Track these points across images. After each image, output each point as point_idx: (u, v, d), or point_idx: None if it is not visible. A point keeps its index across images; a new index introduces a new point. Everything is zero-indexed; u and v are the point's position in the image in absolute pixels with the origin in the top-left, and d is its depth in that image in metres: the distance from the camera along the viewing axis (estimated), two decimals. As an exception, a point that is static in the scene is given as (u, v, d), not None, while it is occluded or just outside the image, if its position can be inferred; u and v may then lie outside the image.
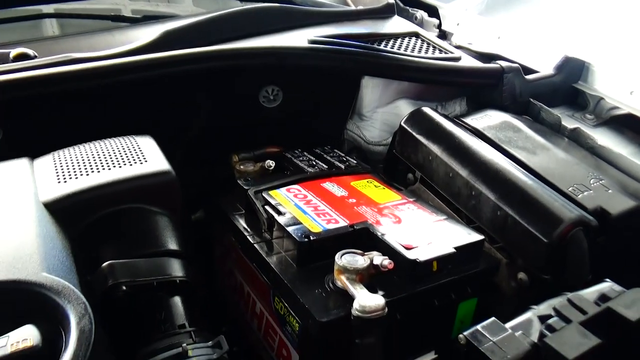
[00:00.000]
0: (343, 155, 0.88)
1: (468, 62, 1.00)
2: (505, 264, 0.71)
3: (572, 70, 1.00)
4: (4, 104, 0.78)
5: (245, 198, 0.73)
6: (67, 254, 0.53)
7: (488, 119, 0.87)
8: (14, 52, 0.86)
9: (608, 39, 1.10)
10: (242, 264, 0.72)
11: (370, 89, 0.99)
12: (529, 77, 1.00)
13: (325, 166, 0.82)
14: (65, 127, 0.84)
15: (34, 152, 0.73)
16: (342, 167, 0.83)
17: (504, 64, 0.97)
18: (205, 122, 0.93)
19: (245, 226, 0.71)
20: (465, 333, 0.51)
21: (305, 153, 0.88)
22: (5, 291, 0.46)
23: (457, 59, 1.00)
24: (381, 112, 0.99)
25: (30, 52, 0.86)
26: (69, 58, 0.85)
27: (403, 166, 0.88)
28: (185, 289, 0.59)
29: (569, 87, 1.01)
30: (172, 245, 0.62)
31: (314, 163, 0.83)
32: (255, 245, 0.66)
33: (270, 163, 0.81)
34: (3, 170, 0.64)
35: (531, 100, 0.96)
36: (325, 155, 0.87)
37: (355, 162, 0.86)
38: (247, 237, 0.68)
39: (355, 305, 0.52)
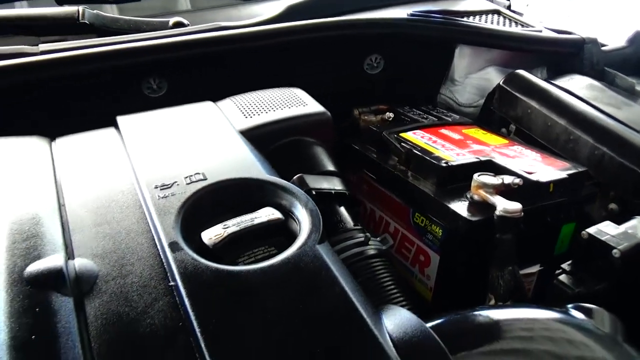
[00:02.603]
0: (445, 111, 1.02)
1: (550, 34, 1.14)
2: (598, 197, 0.85)
3: (643, 43, 1.13)
4: (171, 62, 0.95)
5: (377, 139, 0.88)
6: (270, 166, 0.69)
7: (574, 81, 1.00)
8: (172, 20, 1.02)
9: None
10: (375, 194, 0.87)
11: (463, 58, 1.13)
12: (604, 48, 1.12)
13: (435, 119, 0.97)
14: (213, 83, 1.00)
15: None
16: (450, 120, 0.97)
17: (583, 35, 1.10)
18: (323, 84, 1.08)
19: (379, 161, 0.86)
20: (587, 230, 0.65)
21: (414, 109, 1.02)
22: (243, 187, 0.62)
23: (540, 31, 1.13)
24: (473, 78, 1.13)
25: (185, 21, 1.03)
26: (218, 26, 1.01)
27: (496, 122, 1.02)
28: (349, 201, 0.74)
29: (639, 58, 1.14)
30: (332, 167, 0.77)
31: (425, 117, 0.98)
32: (397, 173, 0.81)
33: (390, 114, 0.96)
34: (198, 109, 0.80)
35: (606, 68, 1.09)
36: (431, 111, 1.01)
37: (458, 116, 1.00)
38: (388, 168, 0.83)
39: (499, 207, 0.66)
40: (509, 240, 0.67)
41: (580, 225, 0.82)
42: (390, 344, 0.46)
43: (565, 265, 0.66)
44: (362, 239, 0.67)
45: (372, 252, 0.67)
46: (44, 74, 0.83)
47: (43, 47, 0.86)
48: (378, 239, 0.70)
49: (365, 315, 0.47)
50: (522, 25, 1.18)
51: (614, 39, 1.18)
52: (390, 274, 0.65)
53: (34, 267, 0.48)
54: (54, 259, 0.49)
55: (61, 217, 0.57)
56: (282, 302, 0.48)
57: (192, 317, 0.45)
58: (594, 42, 1.09)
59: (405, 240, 0.81)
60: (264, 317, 0.46)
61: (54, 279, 0.47)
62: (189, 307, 0.46)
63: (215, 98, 0.89)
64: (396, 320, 0.49)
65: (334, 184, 0.73)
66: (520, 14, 1.38)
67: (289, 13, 1.08)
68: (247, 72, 1.01)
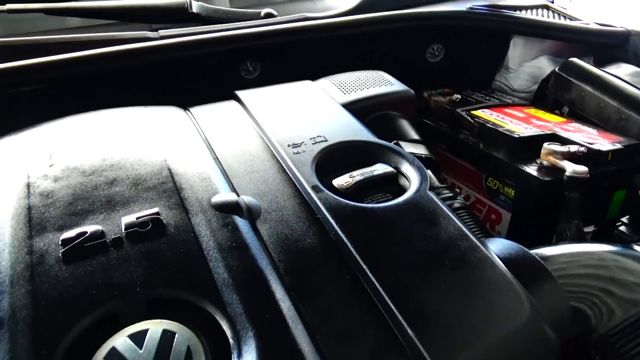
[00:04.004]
0: (505, 94, 1.15)
1: (597, 26, 1.25)
2: (645, 168, 0.96)
3: (684, 35, 1.24)
4: (264, 47, 1.08)
5: (450, 116, 1.00)
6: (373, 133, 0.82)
7: (622, 69, 1.12)
8: (263, 11, 1.15)
9: None
10: (448, 163, 1.00)
11: (517, 48, 1.25)
12: (647, 40, 1.23)
13: (497, 100, 1.09)
14: (300, 66, 1.13)
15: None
16: (510, 101, 1.09)
17: (628, 27, 1.21)
18: (389, 69, 1.21)
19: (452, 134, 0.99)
20: (643, 189, 0.77)
21: (475, 92, 1.14)
22: (360, 147, 0.75)
23: (588, 24, 1.25)
24: (526, 66, 1.24)
25: (274, 12, 1.16)
26: (304, 17, 1.14)
27: (550, 105, 1.14)
28: (434, 166, 0.87)
29: (679, 49, 1.24)
30: (417, 137, 0.90)
31: (487, 98, 1.10)
32: (471, 144, 0.93)
33: (458, 96, 1.09)
34: (303, 86, 0.93)
35: (648, 58, 1.20)
36: (491, 94, 1.13)
37: (516, 99, 1.12)
38: (462, 139, 0.95)
39: (569, 169, 0.79)
40: (576, 198, 0.79)
41: (630, 193, 0.94)
42: (500, 262, 0.58)
43: (624, 219, 0.78)
44: (452, 194, 0.80)
45: (459, 204, 0.80)
46: (167, 56, 0.97)
47: (162, 32, 1.00)
48: (462, 195, 0.82)
49: (477, 241, 0.60)
50: (570, 19, 1.30)
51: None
52: (477, 223, 0.78)
53: (217, 199, 0.62)
54: (229, 195, 0.63)
55: (218, 166, 0.70)
56: (410, 231, 0.61)
57: (345, 239, 0.58)
58: (638, 34, 1.20)
59: (478, 202, 0.93)
60: (398, 241, 0.59)
61: (234, 208, 0.61)
62: (340, 233, 0.59)
63: (302, 79, 1.02)
64: (499, 246, 0.62)
65: (421, 150, 0.86)
66: (565, 9, 1.49)
67: (362, 7, 1.21)
68: (326, 56, 1.14)
